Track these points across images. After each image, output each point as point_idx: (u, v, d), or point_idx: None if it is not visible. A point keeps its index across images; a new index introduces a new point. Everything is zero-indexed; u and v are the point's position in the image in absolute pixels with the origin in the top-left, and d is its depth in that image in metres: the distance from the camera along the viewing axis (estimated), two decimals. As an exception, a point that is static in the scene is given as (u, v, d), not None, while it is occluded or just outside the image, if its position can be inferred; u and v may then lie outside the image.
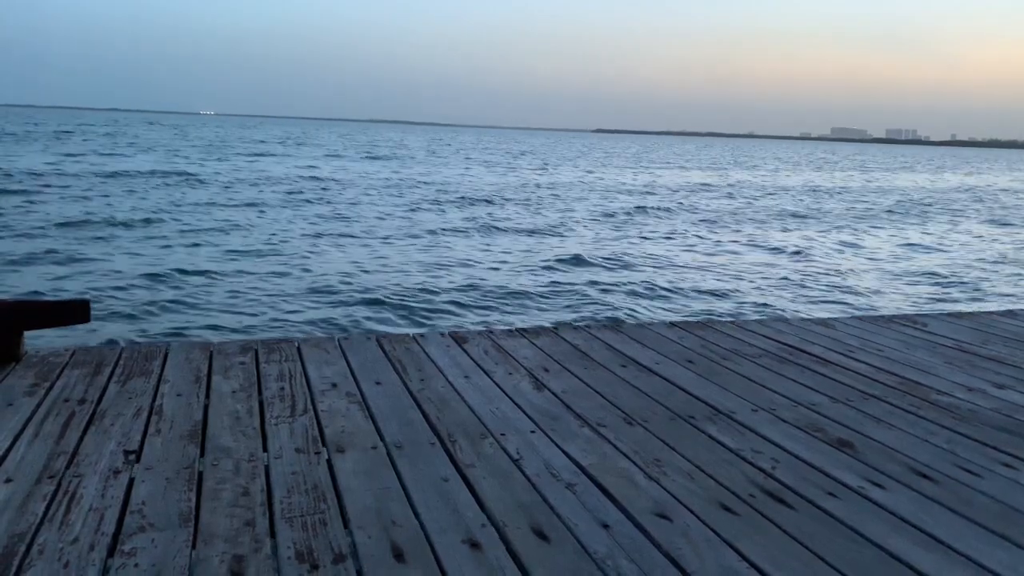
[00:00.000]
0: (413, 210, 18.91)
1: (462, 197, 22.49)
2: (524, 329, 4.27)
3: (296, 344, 3.70)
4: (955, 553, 2.02)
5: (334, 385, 3.13)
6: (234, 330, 7.57)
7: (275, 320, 8.02)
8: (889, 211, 24.70)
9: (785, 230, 18.30)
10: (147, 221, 14.55)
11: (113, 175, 24.25)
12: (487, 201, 21.79)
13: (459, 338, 3.97)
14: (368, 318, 8.32)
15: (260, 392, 3.01)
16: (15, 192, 18.19)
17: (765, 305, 9.82)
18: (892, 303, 10.36)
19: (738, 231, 17.63)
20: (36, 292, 8.60)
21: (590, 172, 40.14)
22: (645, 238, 15.78)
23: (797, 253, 14.53)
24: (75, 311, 3.36)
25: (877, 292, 11.10)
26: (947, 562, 1.98)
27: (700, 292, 10.45)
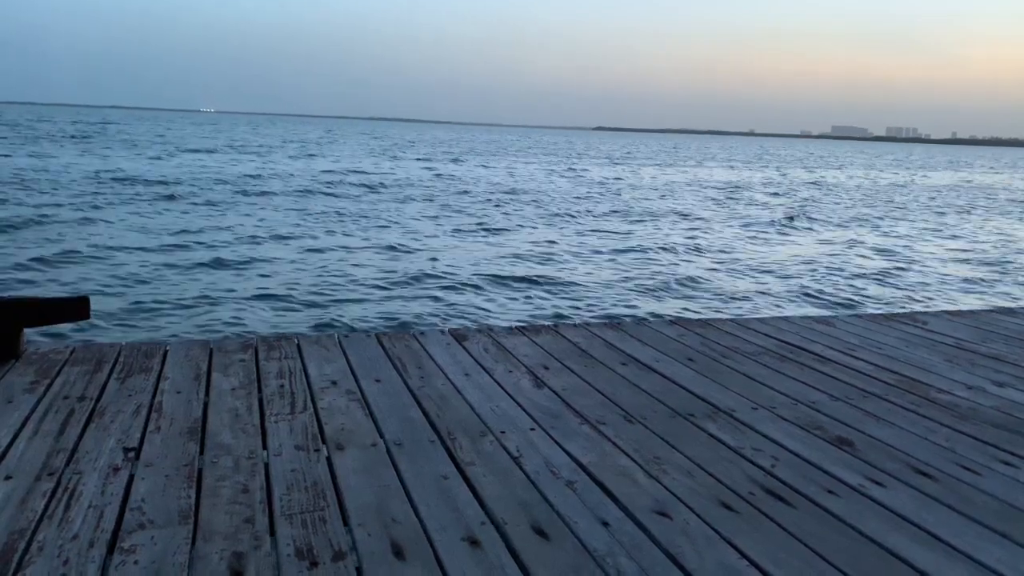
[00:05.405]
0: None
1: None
2: (524, 327, 4.27)
3: (296, 341, 3.69)
4: (955, 551, 2.02)
5: (334, 383, 3.13)
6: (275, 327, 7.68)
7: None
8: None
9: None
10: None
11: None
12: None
13: (459, 336, 3.96)
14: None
15: (260, 389, 3.01)
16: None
17: None
18: None
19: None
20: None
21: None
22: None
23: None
24: (75, 308, 3.36)
25: None
26: (947, 560, 1.98)
27: None
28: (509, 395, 3.08)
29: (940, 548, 2.03)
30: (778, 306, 9.74)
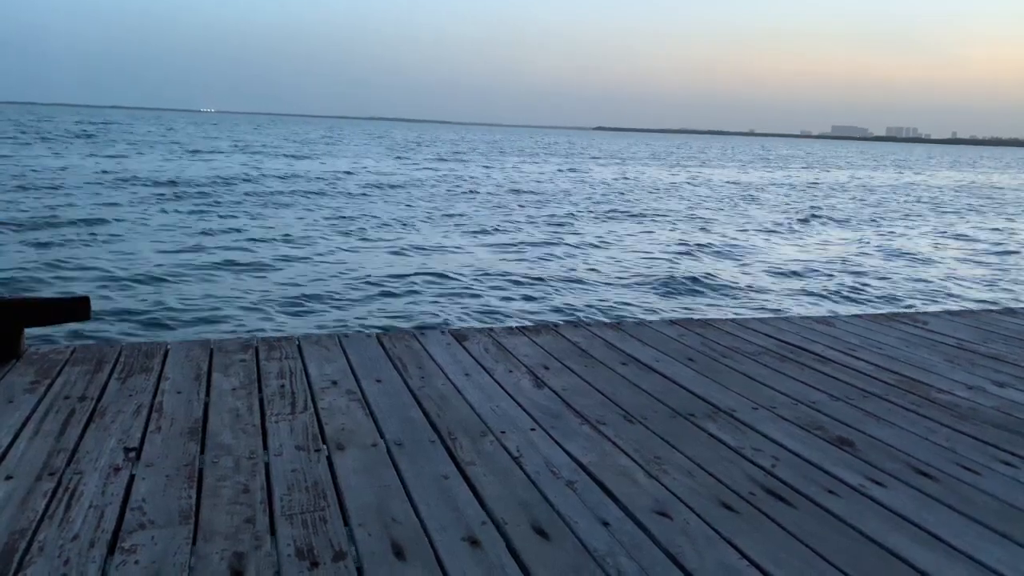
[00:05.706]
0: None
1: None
2: (524, 327, 4.27)
3: (296, 341, 3.70)
4: (955, 551, 2.02)
5: (334, 383, 3.14)
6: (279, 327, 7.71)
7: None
8: None
9: None
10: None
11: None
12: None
13: (459, 336, 3.96)
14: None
15: (260, 389, 3.02)
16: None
17: None
18: None
19: None
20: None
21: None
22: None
23: None
24: (75, 308, 3.36)
25: None
26: (947, 560, 1.98)
27: None
28: (509, 395, 3.09)
29: (940, 548, 2.03)
30: (781, 306, 9.73)
